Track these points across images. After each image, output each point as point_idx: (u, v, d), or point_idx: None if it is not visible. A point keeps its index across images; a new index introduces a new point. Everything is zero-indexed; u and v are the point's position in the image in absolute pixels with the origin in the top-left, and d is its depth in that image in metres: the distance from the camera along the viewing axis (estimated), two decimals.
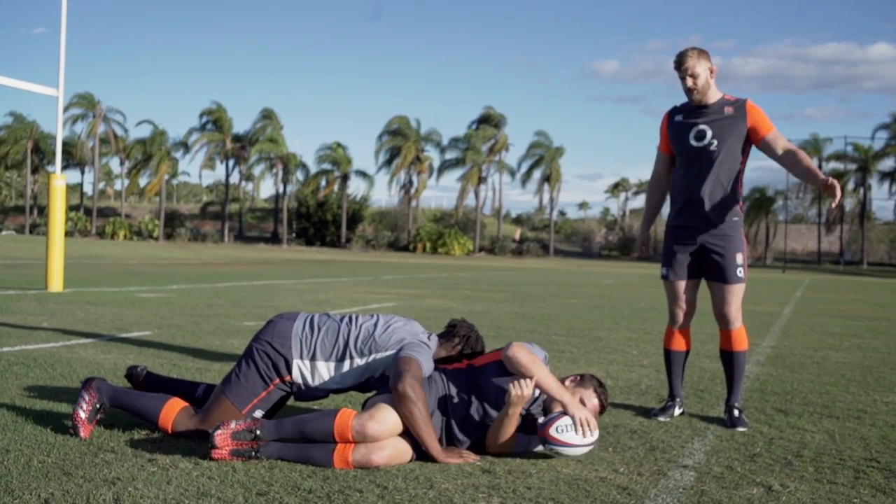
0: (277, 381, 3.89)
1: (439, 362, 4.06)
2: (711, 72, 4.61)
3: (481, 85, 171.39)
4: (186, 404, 3.93)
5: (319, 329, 3.95)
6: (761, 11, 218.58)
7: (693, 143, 4.65)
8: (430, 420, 3.62)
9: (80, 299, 11.58)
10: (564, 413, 3.68)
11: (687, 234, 4.74)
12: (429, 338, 4.00)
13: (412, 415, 3.53)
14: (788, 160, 4.60)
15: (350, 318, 4.02)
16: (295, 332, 3.93)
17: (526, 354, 3.77)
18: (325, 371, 3.89)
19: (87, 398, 3.85)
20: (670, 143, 4.80)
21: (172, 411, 3.86)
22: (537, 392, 3.95)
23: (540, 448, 3.91)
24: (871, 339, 9.82)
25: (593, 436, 3.67)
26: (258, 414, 3.88)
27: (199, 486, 3.15)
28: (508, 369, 3.84)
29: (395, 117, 70.36)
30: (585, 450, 3.68)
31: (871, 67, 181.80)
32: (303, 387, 3.92)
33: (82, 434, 3.78)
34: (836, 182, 4.26)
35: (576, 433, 3.63)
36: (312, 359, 3.88)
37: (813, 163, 4.62)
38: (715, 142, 4.61)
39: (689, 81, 4.58)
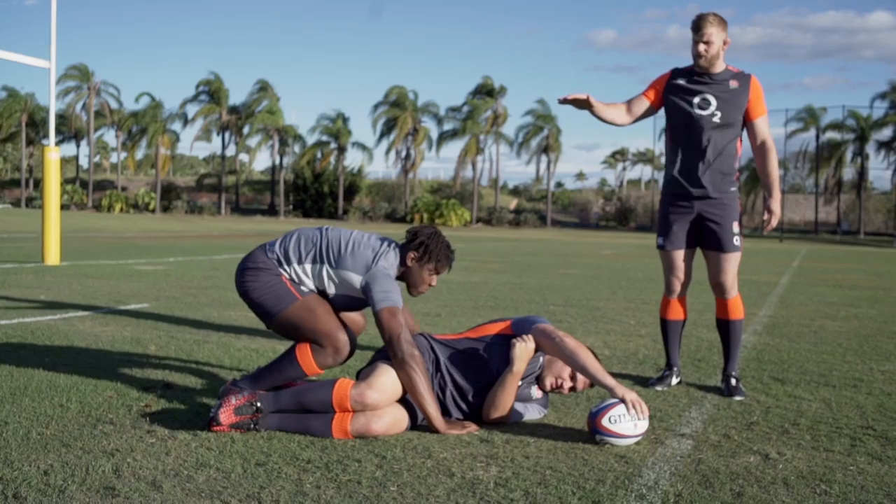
0: (284, 275, 3.85)
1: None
2: (725, 43, 4.56)
3: (478, 57, 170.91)
4: (308, 345, 3.80)
5: (289, 237, 3.92)
6: None
7: (697, 110, 4.62)
8: (433, 389, 3.61)
9: (77, 272, 11.56)
10: (614, 402, 3.53)
11: (684, 203, 4.73)
12: (386, 256, 3.80)
13: (413, 384, 3.52)
14: (760, 155, 4.72)
15: (322, 230, 3.92)
16: (264, 249, 3.91)
17: (572, 338, 3.74)
18: (304, 274, 3.84)
19: (246, 394, 3.54)
20: (665, 104, 4.74)
21: (308, 357, 3.79)
22: (541, 360, 3.94)
23: (536, 416, 3.93)
24: (867, 308, 9.84)
25: (644, 423, 3.52)
26: (308, 287, 3.82)
27: (198, 457, 3.16)
28: (541, 349, 3.80)
29: (394, 87, 69.90)
30: (635, 440, 3.53)
31: (869, 36, 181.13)
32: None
33: (222, 419, 3.46)
34: (775, 214, 4.64)
35: (629, 421, 3.47)
36: (289, 263, 3.84)
37: (777, 174, 4.73)
38: (719, 113, 4.59)
39: (702, 47, 4.53)
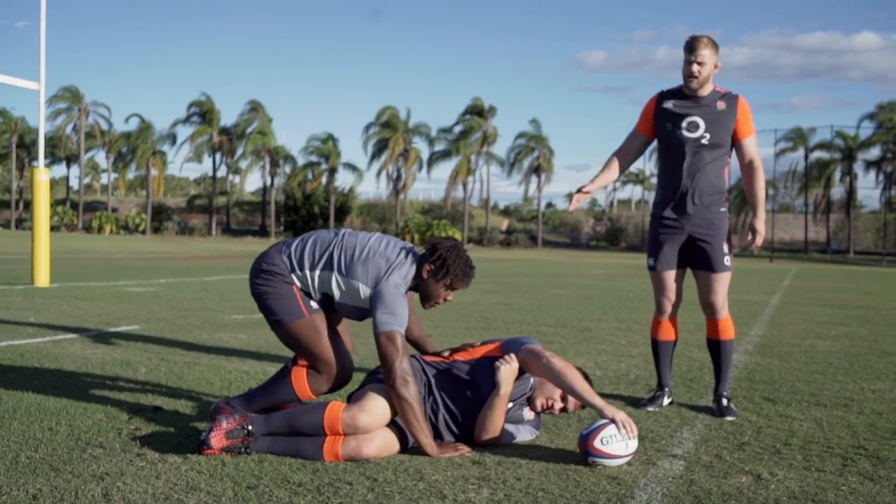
0: (296, 283, 3.81)
1: (418, 348, 4.03)
2: (716, 66, 4.60)
3: (468, 77, 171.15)
4: (304, 369, 3.80)
5: (306, 240, 3.86)
6: (748, 1, 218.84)
7: (685, 133, 4.64)
8: (426, 416, 3.60)
9: (67, 294, 11.51)
10: (605, 422, 3.52)
11: (674, 224, 4.75)
12: (399, 269, 3.70)
13: (405, 412, 3.51)
14: (748, 174, 4.77)
15: (339, 235, 3.84)
16: (280, 250, 3.86)
17: (560, 359, 3.74)
18: (314, 281, 3.80)
19: (237, 417, 3.52)
20: (655, 128, 4.79)
21: (302, 381, 3.80)
22: (532, 381, 3.94)
23: (528, 438, 3.92)
24: (858, 327, 9.88)
25: (634, 442, 3.53)
26: (317, 298, 3.81)
27: (189, 481, 3.14)
28: (529, 370, 3.79)
29: (386, 108, 70.06)
30: (626, 459, 3.53)
31: (856, 57, 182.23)
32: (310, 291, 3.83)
33: (213, 443, 3.44)
34: (760, 235, 4.64)
35: (620, 441, 3.47)
36: (301, 268, 3.79)
37: (763, 193, 4.76)
38: (707, 135, 4.62)
39: (695, 68, 4.55)
